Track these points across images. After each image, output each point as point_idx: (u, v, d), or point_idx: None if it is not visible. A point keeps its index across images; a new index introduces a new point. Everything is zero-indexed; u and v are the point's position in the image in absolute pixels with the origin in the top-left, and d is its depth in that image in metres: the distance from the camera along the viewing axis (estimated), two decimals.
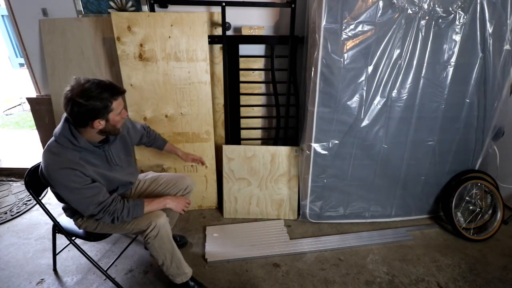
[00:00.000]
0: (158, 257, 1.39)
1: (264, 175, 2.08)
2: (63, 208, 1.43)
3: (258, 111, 2.37)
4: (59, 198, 1.34)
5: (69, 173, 1.15)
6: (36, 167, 1.43)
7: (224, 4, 1.86)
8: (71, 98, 1.11)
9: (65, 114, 1.20)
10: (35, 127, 2.35)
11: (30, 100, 2.26)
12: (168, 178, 1.65)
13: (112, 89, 1.17)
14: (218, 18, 2.05)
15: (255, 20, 2.13)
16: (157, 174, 1.70)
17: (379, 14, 1.61)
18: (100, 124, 1.18)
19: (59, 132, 1.19)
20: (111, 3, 2.04)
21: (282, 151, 2.04)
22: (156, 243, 1.34)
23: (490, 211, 2.05)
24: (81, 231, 1.47)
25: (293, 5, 1.91)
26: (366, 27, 1.62)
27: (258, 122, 2.40)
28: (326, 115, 1.79)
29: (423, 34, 1.68)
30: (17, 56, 6.95)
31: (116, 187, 1.41)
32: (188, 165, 2.13)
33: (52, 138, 1.22)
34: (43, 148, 2.31)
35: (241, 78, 2.20)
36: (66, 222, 1.52)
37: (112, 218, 1.26)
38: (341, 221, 2.11)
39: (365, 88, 1.74)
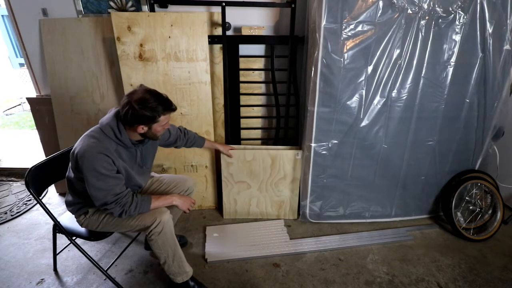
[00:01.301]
0: (161, 254, 1.40)
1: (264, 179, 2.05)
2: (68, 203, 1.44)
3: (258, 111, 2.37)
4: (73, 185, 1.37)
5: (102, 159, 1.23)
6: (37, 167, 1.43)
7: (224, 4, 1.86)
8: (129, 101, 1.22)
9: (114, 109, 1.32)
10: (35, 127, 2.35)
11: (30, 100, 2.25)
12: (169, 179, 1.67)
13: (166, 105, 1.27)
14: (218, 18, 2.05)
15: (255, 20, 2.13)
16: (159, 175, 1.71)
17: (379, 14, 1.61)
18: (143, 129, 1.28)
19: (107, 122, 1.29)
20: (111, 3, 2.04)
21: (283, 155, 1.98)
22: (159, 240, 1.36)
23: (490, 211, 2.05)
24: (82, 230, 1.48)
25: (293, 5, 1.91)
26: (366, 27, 1.62)
27: (258, 122, 2.40)
28: (326, 115, 1.79)
29: (423, 34, 1.68)
30: (17, 56, 6.95)
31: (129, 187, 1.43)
32: (188, 165, 2.13)
33: (97, 126, 1.31)
34: (43, 148, 2.33)
35: (241, 78, 2.20)
36: (67, 221, 1.52)
37: (121, 211, 1.29)
38: (341, 221, 2.11)
39: (365, 88, 1.74)
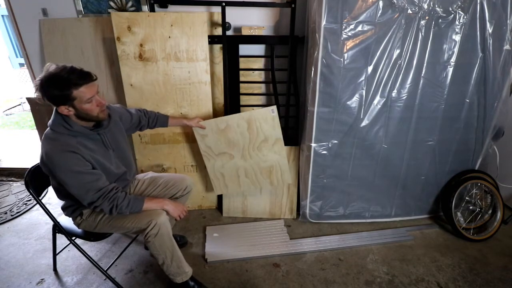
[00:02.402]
0: (159, 256, 1.39)
1: (245, 145, 1.89)
2: (62, 207, 1.43)
3: None
4: (58, 190, 1.35)
5: (69, 156, 1.19)
6: (37, 167, 1.43)
7: (224, 4, 1.86)
8: (39, 83, 1.14)
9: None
10: (35, 127, 2.35)
11: (30, 100, 2.26)
12: (167, 178, 1.65)
13: (76, 77, 1.15)
14: (218, 18, 2.05)
15: (255, 20, 2.13)
16: (157, 174, 1.70)
17: (379, 14, 1.61)
18: (69, 110, 1.19)
19: (52, 120, 1.23)
20: (111, 3, 2.04)
21: (257, 115, 1.82)
22: (156, 242, 1.34)
23: (490, 211, 2.05)
24: (81, 230, 1.48)
25: (293, 5, 1.91)
26: (366, 27, 1.62)
27: None
28: (326, 115, 1.78)
29: (423, 34, 1.68)
30: (17, 56, 6.95)
31: (114, 181, 1.41)
32: (188, 165, 2.13)
33: (48, 128, 1.25)
34: None
35: (241, 78, 2.20)
36: (66, 222, 1.52)
37: (111, 207, 1.26)
38: (341, 221, 2.11)
39: (365, 88, 1.74)
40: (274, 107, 1.80)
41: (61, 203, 1.42)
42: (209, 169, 1.98)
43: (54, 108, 1.23)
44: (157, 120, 1.71)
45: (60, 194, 1.38)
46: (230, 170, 1.98)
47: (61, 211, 1.45)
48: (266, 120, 1.83)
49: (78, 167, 1.20)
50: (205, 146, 1.91)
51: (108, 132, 1.37)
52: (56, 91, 1.14)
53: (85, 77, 1.18)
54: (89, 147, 1.27)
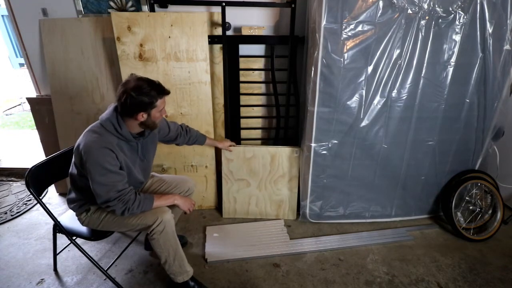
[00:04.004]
0: (162, 253, 1.40)
1: (263, 176, 2.07)
2: (69, 200, 1.44)
3: (258, 111, 2.37)
4: (76, 181, 1.38)
5: (107, 153, 1.25)
6: (37, 167, 1.43)
7: (224, 4, 1.86)
8: (125, 90, 1.24)
9: (113, 104, 1.34)
10: (35, 127, 2.35)
11: (30, 100, 2.25)
12: (170, 180, 1.67)
13: (159, 89, 1.30)
14: (218, 18, 2.05)
15: (255, 20, 2.13)
16: (159, 175, 1.71)
17: (379, 14, 1.61)
18: (143, 117, 1.29)
19: (107, 117, 1.30)
20: (111, 3, 2.04)
21: (282, 152, 2.02)
22: (161, 239, 1.36)
23: (490, 211, 2.05)
24: (82, 230, 1.48)
25: (293, 5, 1.91)
26: (366, 27, 1.62)
27: (258, 122, 2.40)
28: (326, 115, 1.79)
29: (423, 34, 1.68)
30: (17, 56, 6.95)
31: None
32: (188, 165, 2.13)
33: (97, 121, 1.33)
34: (43, 148, 2.33)
35: (241, 78, 2.20)
36: (67, 221, 1.52)
37: (123, 209, 1.29)
38: (341, 221, 2.11)
39: (365, 88, 1.74)
40: (299, 149, 2.00)
41: (61, 202, 1.42)
42: (224, 191, 2.11)
43: (111, 107, 1.33)
44: (196, 139, 1.81)
45: (75, 185, 1.41)
46: (243, 196, 2.13)
47: (62, 211, 1.45)
48: (288, 158, 2.02)
49: (110, 165, 1.25)
50: (228, 169, 2.06)
51: (145, 142, 1.45)
52: (146, 98, 1.25)
53: (165, 90, 1.33)
54: (124, 151, 1.34)
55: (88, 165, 1.24)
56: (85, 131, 1.31)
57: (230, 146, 1.97)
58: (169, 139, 1.71)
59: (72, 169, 1.39)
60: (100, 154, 1.23)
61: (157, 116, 1.34)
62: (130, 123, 1.33)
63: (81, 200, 1.41)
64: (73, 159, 1.37)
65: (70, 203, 1.45)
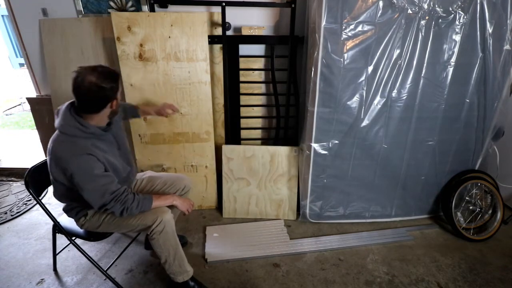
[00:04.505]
0: (162, 253, 1.40)
1: (263, 175, 2.08)
2: (65, 210, 1.42)
3: (258, 111, 2.37)
4: (64, 195, 1.34)
5: (88, 159, 1.19)
6: (37, 167, 1.43)
7: (224, 4, 1.86)
8: (94, 83, 1.15)
9: (63, 106, 1.24)
10: (35, 127, 2.35)
11: (30, 100, 2.25)
12: (165, 178, 1.66)
13: (111, 71, 1.23)
14: (218, 18, 2.05)
15: (255, 20, 2.13)
16: (155, 174, 1.70)
17: (379, 14, 1.61)
18: (116, 103, 1.25)
19: (64, 123, 1.21)
20: (111, 3, 2.04)
21: (282, 151, 2.04)
22: (161, 239, 1.36)
23: (490, 211, 2.05)
24: (81, 231, 1.47)
25: (293, 5, 1.91)
26: (366, 27, 1.62)
27: (258, 122, 2.40)
28: (326, 115, 1.78)
29: (423, 34, 1.68)
30: (17, 56, 6.95)
31: (122, 182, 1.40)
32: (188, 165, 2.13)
33: (56, 132, 1.23)
34: (43, 148, 2.33)
35: (241, 78, 2.20)
36: (66, 222, 1.52)
37: (122, 209, 1.26)
38: (341, 221, 2.11)
39: (365, 88, 1.74)
40: (298, 149, 2.01)
41: (60, 203, 1.41)
42: (224, 190, 2.11)
43: (62, 109, 1.23)
44: (129, 111, 1.70)
45: (65, 197, 1.36)
46: (243, 195, 2.13)
47: (61, 211, 1.44)
48: (288, 157, 2.04)
49: (96, 170, 1.20)
50: (228, 168, 2.07)
51: (114, 129, 1.39)
52: (114, 83, 1.20)
53: (115, 70, 1.26)
54: (101, 148, 1.28)
55: (75, 177, 1.18)
56: (50, 147, 1.23)
57: (169, 109, 1.75)
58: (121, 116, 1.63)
59: (57, 187, 1.32)
60: (81, 162, 1.18)
61: (120, 99, 1.30)
62: (99, 118, 1.25)
63: (77, 207, 1.38)
64: (51, 177, 1.29)
65: (67, 212, 1.42)
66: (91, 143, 1.23)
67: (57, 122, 1.23)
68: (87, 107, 1.21)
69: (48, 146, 1.24)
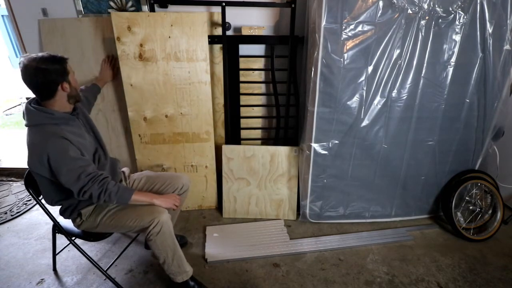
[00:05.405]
0: (160, 254, 1.40)
1: (263, 175, 2.08)
2: (60, 212, 1.42)
3: (258, 111, 2.37)
4: (49, 194, 1.35)
5: (61, 142, 1.21)
6: None
7: (224, 4, 1.86)
8: (36, 67, 1.17)
9: (24, 103, 1.28)
10: None
11: None
12: (164, 177, 1.66)
13: (55, 55, 1.24)
14: (218, 18, 2.05)
15: (255, 20, 2.13)
16: (153, 173, 1.71)
17: (379, 14, 1.61)
18: (67, 86, 1.25)
19: (30, 117, 1.24)
20: (111, 3, 2.04)
21: (281, 151, 2.04)
22: (158, 240, 1.35)
23: (490, 211, 2.05)
24: (81, 230, 1.47)
25: (293, 5, 1.91)
26: (366, 27, 1.62)
27: (258, 122, 2.40)
28: (326, 115, 1.78)
29: (423, 34, 1.68)
30: (17, 56, 6.96)
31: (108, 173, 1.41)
32: (188, 165, 2.13)
33: (28, 129, 1.26)
34: None
35: (241, 78, 2.20)
36: (66, 222, 1.52)
37: (100, 191, 1.25)
38: (341, 221, 2.11)
39: (365, 88, 1.74)
40: (297, 149, 2.02)
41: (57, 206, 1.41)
42: (224, 190, 2.12)
43: (24, 107, 1.26)
44: (91, 91, 1.79)
45: (56, 200, 1.36)
46: (243, 195, 2.13)
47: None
48: (287, 157, 2.04)
49: (71, 152, 1.21)
50: (228, 168, 2.08)
51: (82, 115, 1.42)
52: (57, 65, 1.21)
53: (62, 56, 1.26)
54: (73, 132, 1.29)
55: (51, 162, 1.19)
56: (26, 143, 1.24)
57: (108, 61, 1.91)
58: (90, 105, 1.73)
59: (43, 187, 1.33)
60: (56, 145, 1.19)
61: (75, 81, 1.31)
62: (59, 103, 1.27)
63: (69, 207, 1.38)
64: (34, 175, 1.30)
65: (62, 213, 1.42)
66: (62, 129, 1.25)
67: (25, 121, 1.26)
68: (39, 93, 1.23)
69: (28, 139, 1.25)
